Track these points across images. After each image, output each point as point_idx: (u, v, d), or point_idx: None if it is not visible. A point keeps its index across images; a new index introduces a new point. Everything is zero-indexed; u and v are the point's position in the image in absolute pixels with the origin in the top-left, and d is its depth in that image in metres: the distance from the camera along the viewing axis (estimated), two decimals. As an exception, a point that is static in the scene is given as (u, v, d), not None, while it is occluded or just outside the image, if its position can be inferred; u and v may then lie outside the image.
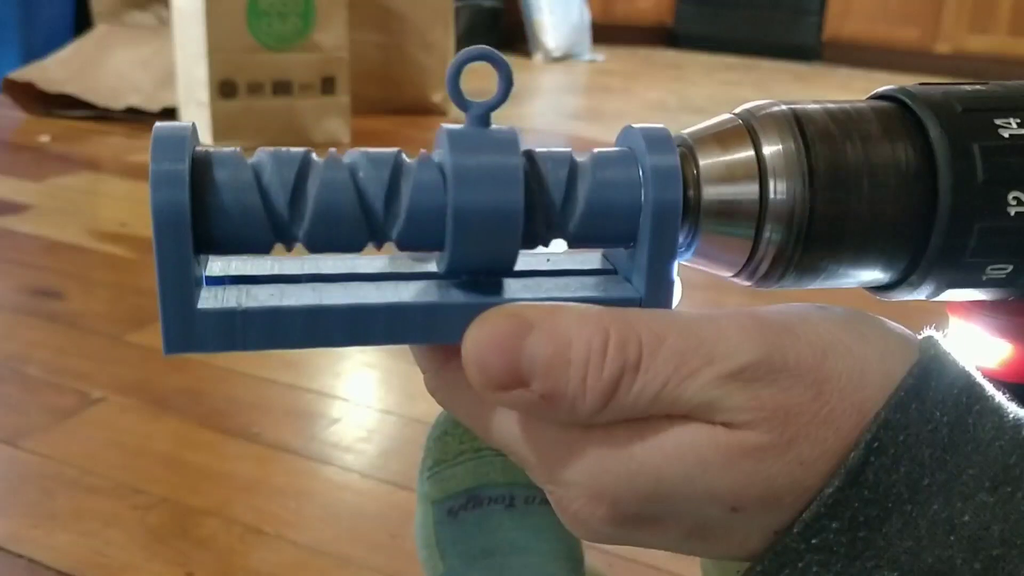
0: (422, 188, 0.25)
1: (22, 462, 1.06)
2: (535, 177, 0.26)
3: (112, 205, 2.06)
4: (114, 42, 2.86)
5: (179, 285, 0.24)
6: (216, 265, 0.27)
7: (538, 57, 4.51)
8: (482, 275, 0.27)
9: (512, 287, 0.27)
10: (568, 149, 0.27)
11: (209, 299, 0.25)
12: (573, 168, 0.26)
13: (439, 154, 0.26)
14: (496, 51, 0.25)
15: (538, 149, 0.27)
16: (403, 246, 0.26)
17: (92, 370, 1.27)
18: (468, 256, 0.25)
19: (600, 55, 4.70)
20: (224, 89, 2.39)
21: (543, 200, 0.26)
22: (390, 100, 2.98)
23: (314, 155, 0.25)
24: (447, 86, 0.25)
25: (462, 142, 0.25)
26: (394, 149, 0.26)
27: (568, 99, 3.86)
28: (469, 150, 0.25)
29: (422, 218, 0.25)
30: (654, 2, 5.13)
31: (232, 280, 0.27)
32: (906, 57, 4.59)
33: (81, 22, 3.10)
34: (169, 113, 2.58)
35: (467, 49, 0.25)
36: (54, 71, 2.73)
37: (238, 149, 0.25)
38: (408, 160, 0.26)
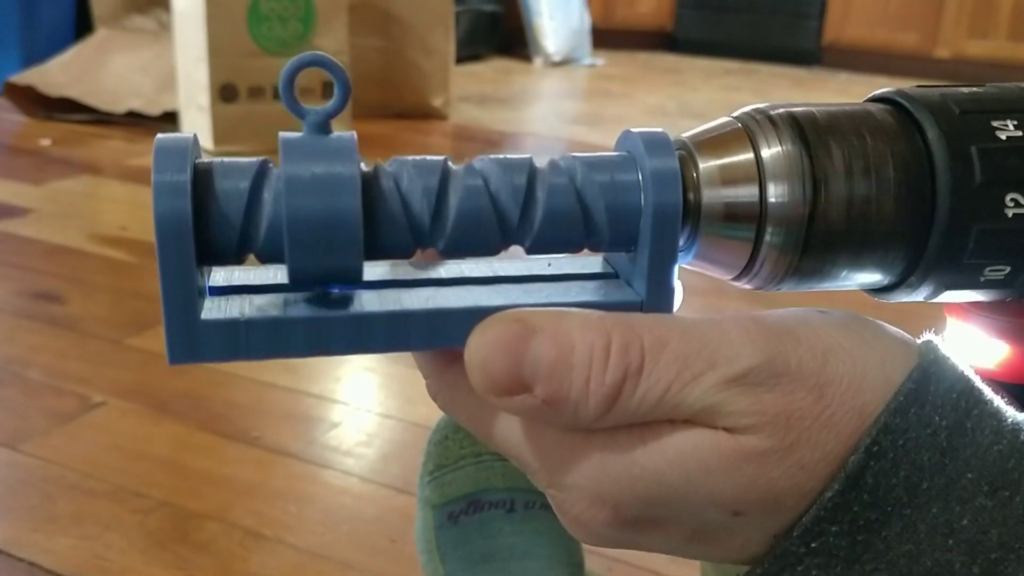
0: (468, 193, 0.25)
1: (22, 466, 1.06)
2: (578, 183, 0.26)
3: (112, 209, 2.06)
4: (115, 46, 2.86)
5: (182, 296, 0.24)
6: (219, 275, 0.27)
7: (538, 61, 4.52)
8: (325, 285, 0.26)
9: (513, 291, 0.27)
10: (528, 156, 0.27)
11: (212, 309, 0.25)
12: (532, 175, 0.26)
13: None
14: (330, 56, 0.25)
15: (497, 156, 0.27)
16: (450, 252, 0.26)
17: (92, 374, 1.27)
18: (308, 265, 0.25)
19: (600, 59, 4.71)
20: (225, 93, 2.39)
21: (583, 205, 0.26)
22: (390, 104, 2.98)
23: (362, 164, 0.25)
24: (281, 92, 0.25)
25: (297, 151, 0.25)
26: (410, 157, 0.26)
27: (568, 103, 3.87)
28: (303, 159, 0.24)
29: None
30: (654, 7, 5.13)
31: (235, 290, 0.27)
32: (906, 62, 4.60)
33: (82, 26, 3.10)
34: (170, 117, 2.58)
35: (300, 55, 0.25)
36: (55, 75, 2.73)
37: (239, 159, 0.25)
38: (454, 167, 0.26)
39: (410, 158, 0.26)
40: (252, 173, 0.25)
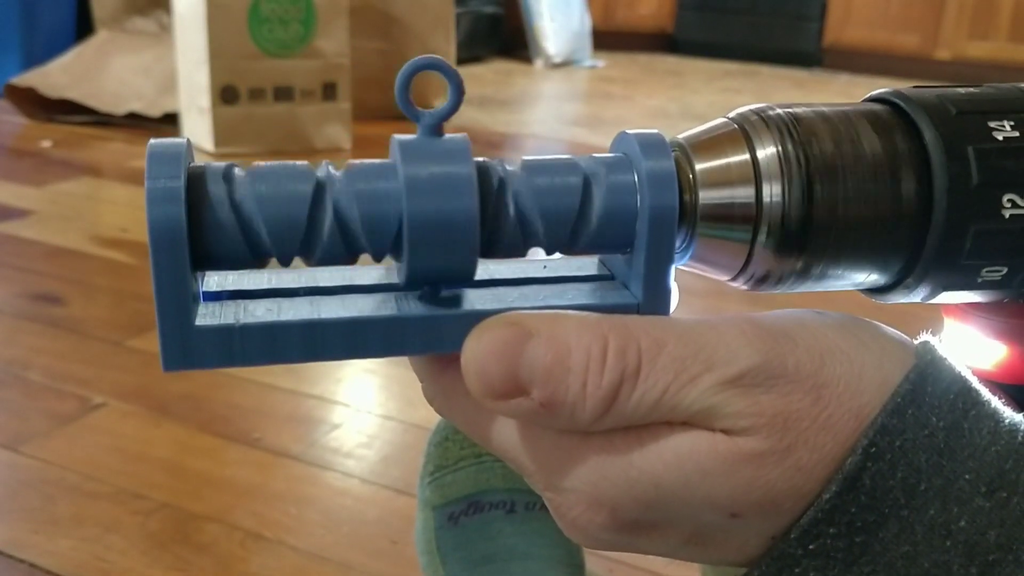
0: (379, 199, 0.25)
1: (23, 467, 1.06)
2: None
3: (113, 211, 2.06)
4: (115, 48, 2.86)
5: (177, 302, 0.24)
6: (212, 280, 0.27)
7: (539, 63, 4.52)
8: (441, 286, 0.27)
9: (509, 295, 0.27)
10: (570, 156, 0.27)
11: (207, 316, 0.25)
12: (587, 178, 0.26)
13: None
14: (445, 60, 0.25)
15: (538, 157, 0.27)
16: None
17: (93, 375, 1.27)
18: (426, 265, 0.25)
19: (601, 61, 4.71)
20: (225, 95, 2.39)
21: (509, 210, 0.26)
22: (391, 106, 2.96)
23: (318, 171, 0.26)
24: (397, 96, 0.25)
25: (414, 152, 0.25)
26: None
27: (568, 105, 3.87)
28: (422, 160, 0.25)
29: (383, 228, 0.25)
30: (655, 9, 5.13)
31: (229, 295, 0.27)
32: (906, 64, 4.60)
33: (83, 28, 3.10)
34: (170, 119, 2.58)
35: (415, 59, 0.25)
36: (56, 77, 2.73)
37: (233, 163, 0.25)
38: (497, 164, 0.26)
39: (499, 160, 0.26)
40: (237, 177, 0.25)
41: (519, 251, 0.27)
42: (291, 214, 0.25)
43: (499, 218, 0.26)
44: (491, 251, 0.26)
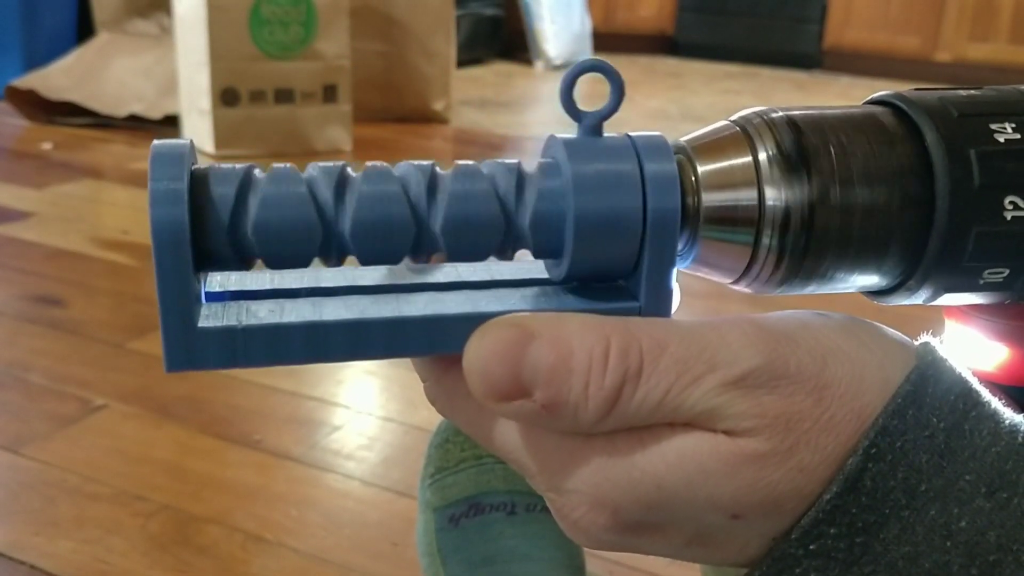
0: (545, 197, 0.26)
1: (24, 469, 1.06)
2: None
3: (114, 213, 2.06)
4: (116, 50, 2.86)
5: (180, 303, 0.24)
6: (215, 280, 0.27)
7: (539, 65, 4.52)
8: (599, 281, 0.27)
9: (512, 296, 0.27)
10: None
11: (209, 317, 0.25)
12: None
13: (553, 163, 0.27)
14: (608, 63, 0.26)
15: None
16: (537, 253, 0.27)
17: (94, 377, 1.27)
18: (587, 262, 0.26)
19: (601, 63, 4.71)
20: (226, 97, 2.39)
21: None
22: (392, 108, 2.98)
23: (349, 168, 0.26)
24: (561, 97, 0.26)
25: (579, 151, 0.26)
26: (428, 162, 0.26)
27: (569, 107, 3.86)
28: (587, 159, 0.26)
29: (545, 226, 0.26)
30: (655, 11, 5.13)
31: (231, 296, 0.27)
32: (907, 66, 4.60)
33: (83, 30, 3.11)
34: (171, 121, 2.59)
35: (580, 61, 0.26)
36: (56, 79, 2.74)
37: (237, 165, 0.25)
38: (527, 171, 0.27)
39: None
40: (239, 178, 0.25)
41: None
42: (297, 217, 0.25)
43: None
44: None
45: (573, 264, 0.26)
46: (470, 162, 0.26)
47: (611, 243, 0.26)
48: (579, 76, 0.26)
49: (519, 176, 0.26)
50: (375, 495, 1.05)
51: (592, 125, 0.26)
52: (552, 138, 0.27)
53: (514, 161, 0.26)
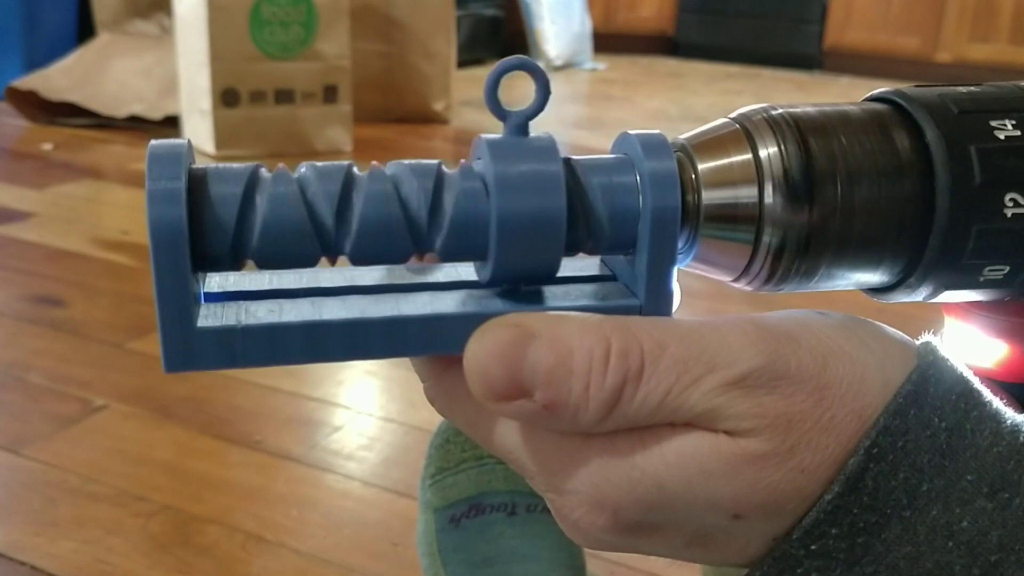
0: (466, 197, 0.25)
1: (24, 470, 1.06)
2: (575, 184, 0.26)
3: (114, 213, 2.06)
4: (117, 51, 2.86)
5: (178, 303, 0.24)
6: (213, 280, 0.27)
7: (539, 66, 4.52)
8: (524, 283, 0.27)
9: (511, 296, 0.27)
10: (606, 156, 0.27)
11: (208, 317, 0.25)
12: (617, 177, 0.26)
13: (480, 164, 0.26)
14: (532, 60, 0.26)
15: (575, 156, 0.27)
16: (447, 256, 0.26)
17: (94, 378, 1.27)
18: (512, 264, 0.26)
19: (601, 64, 4.71)
20: (226, 98, 2.39)
21: (583, 206, 0.26)
22: (392, 109, 2.98)
23: (355, 169, 0.26)
24: (485, 96, 0.26)
25: (503, 151, 0.25)
26: (434, 161, 0.26)
27: (569, 108, 3.86)
28: (510, 159, 0.25)
29: (466, 228, 0.25)
30: (655, 11, 5.13)
31: (230, 296, 0.27)
32: (907, 66, 4.60)
33: (84, 31, 3.11)
34: (171, 121, 2.59)
35: (504, 60, 0.26)
36: (57, 79, 2.74)
37: (232, 164, 0.25)
38: (448, 171, 0.26)
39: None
40: (245, 178, 0.25)
41: (585, 248, 0.27)
42: (293, 217, 0.25)
43: (584, 216, 0.26)
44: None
45: (498, 266, 0.25)
46: (384, 163, 0.26)
47: (535, 244, 0.25)
48: (503, 75, 0.26)
49: (437, 177, 0.25)
50: (375, 495, 1.05)
51: (518, 124, 0.26)
52: (479, 138, 0.26)
53: (434, 162, 0.26)
